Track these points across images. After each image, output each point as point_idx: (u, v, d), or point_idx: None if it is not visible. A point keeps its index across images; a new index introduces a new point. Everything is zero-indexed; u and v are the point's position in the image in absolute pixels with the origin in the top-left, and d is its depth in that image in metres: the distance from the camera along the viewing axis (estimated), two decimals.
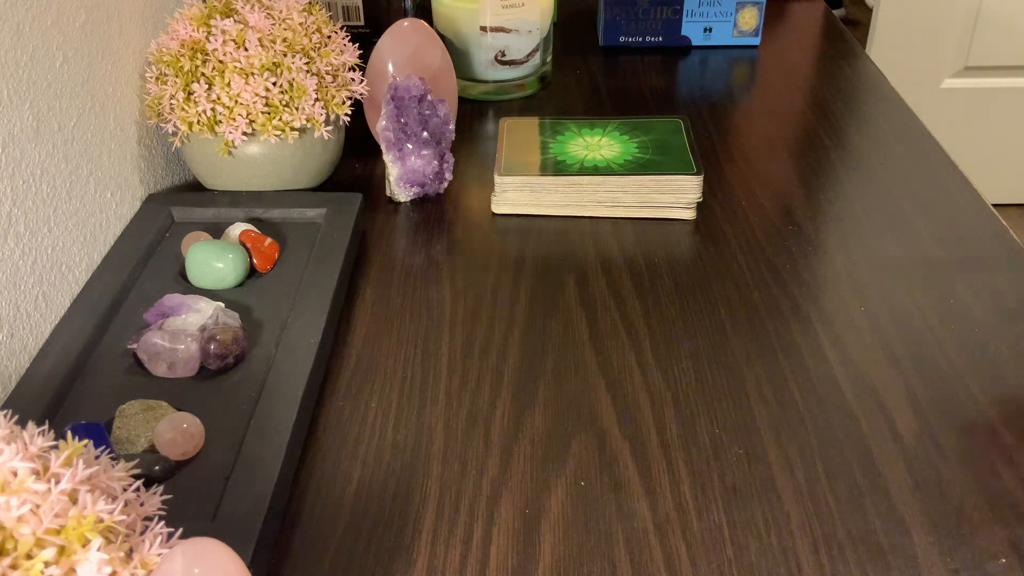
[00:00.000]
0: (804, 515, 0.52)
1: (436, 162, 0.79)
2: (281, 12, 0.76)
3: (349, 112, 0.78)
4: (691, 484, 0.54)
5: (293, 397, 0.56)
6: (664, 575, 0.49)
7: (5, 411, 0.54)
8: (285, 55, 0.74)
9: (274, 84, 0.73)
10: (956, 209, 0.78)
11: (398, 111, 0.77)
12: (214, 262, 0.67)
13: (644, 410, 0.60)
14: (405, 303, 0.70)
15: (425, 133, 0.78)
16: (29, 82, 0.63)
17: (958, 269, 0.71)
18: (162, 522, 0.40)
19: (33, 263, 0.63)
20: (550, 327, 0.67)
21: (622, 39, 1.11)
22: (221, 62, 0.73)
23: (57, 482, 0.37)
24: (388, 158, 0.79)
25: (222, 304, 0.64)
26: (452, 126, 0.80)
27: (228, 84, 0.73)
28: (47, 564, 0.35)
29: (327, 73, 0.77)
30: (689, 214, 0.78)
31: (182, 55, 0.74)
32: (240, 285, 0.68)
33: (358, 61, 0.80)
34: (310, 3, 0.79)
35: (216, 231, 0.74)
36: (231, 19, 0.74)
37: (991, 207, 0.78)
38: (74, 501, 0.37)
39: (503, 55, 0.97)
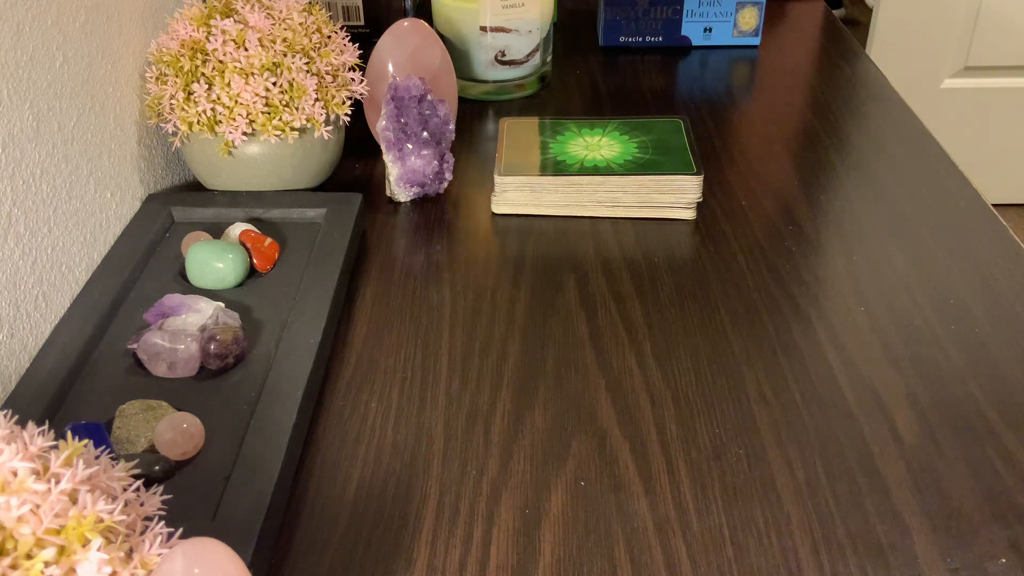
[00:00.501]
0: (804, 515, 0.52)
1: (436, 162, 0.79)
2: (281, 12, 0.76)
3: (349, 112, 0.78)
4: (691, 484, 0.54)
5: (293, 397, 0.56)
6: (664, 575, 0.49)
7: (5, 411, 0.54)
8: (285, 55, 0.74)
9: (274, 84, 0.73)
10: (956, 209, 0.78)
11: (398, 111, 0.77)
12: (214, 262, 0.67)
13: (644, 410, 0.60)
14: (405, 303, 0.70)
15: (425, 133, 0.78)
16: (29, 82, 0.63)
17: (958, 269, 0.71)
18: (162, 522, 0.40)
19: (33, 263, 0.63)
20: (550, 327, 0.67)
21: (622, 39, 1.11)
22: (221, 62, 0.73)
23: (57, 482, 0.37)
24: (388, 158, 0.79)
25: (222, 304, 0.64)
26: (452, 126, 0.80)
27: (228, 84, 0.73)
28: (47, 564, 0.35)
29: (327, 73, 0.77)
30: (689, 214, 0.78)
31: (182, 55, 0.74)
32: (240, 285, 0.68)
33: (358, 61, 0.80)
34: (310, 3, 0.79)
35: (216, 231, 0.74)
36: (231, 19, 0.74)
37: (991, 207, 0.78)
38: (74, 501, 0.37)
39: (503, 55, 0.97)
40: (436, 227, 0.78)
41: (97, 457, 0.41)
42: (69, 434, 0.41)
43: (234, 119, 0.73)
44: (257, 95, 0.73)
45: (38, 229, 0.64)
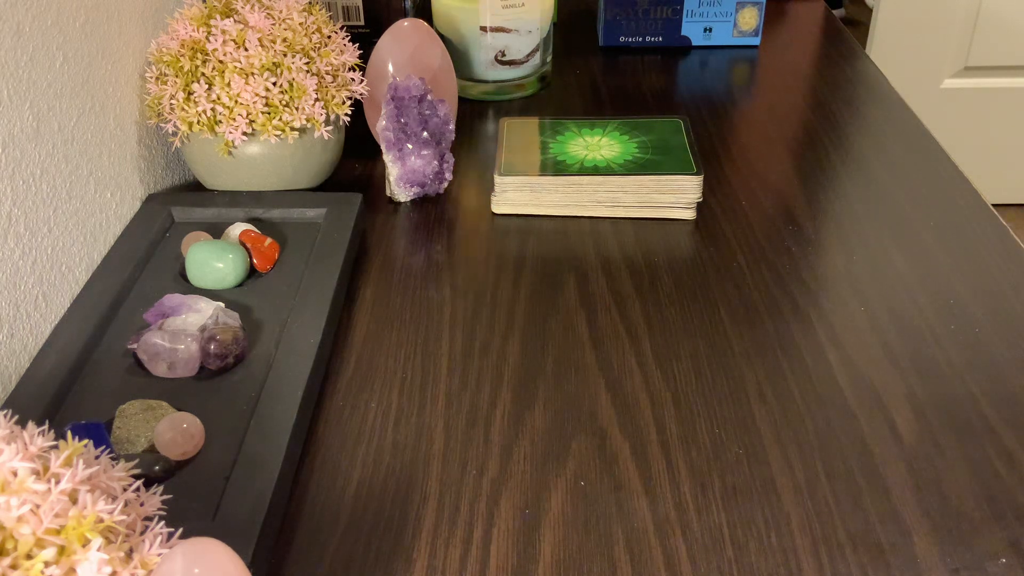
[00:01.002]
0: (804, 515, 0.52)
1: (436, 162, 0.79)
2: (281, 12, 0.76)
3: (349, 112, 0.78)
4: (691, 484, 0.54)
5: (293, 397, 0.56)
6: (664, 575, 0.49)
7: (5, 411, 0.54)
8: (285, 55, 0.74)
9: (274, 84, 0.73)
10: (956, 209, 0.78)
11: (398, 111, 0.77)
12: (214, 262, 0.67)
13: (644, 410, 0.60)
14: (405, 303, 0.70)
15: (425, 133, 0.78)
16: (29, 82, 0.63)
17: (958, 269, 0.71)
18: (162, 522, 0.40)
19: (33, 263, 0.63)
20: (550, 327, 0.67)
21: (622, 39, 1.11)
22: (221, 62, 0.73)
23: (57, 482, 0.37)
24: (388, 158, 0.79)
25: (222, 304, 0.64)
26: (452, 126, 0.80)
27: (228, 84, 0.73)
28: (47, 564, 0.35)
29: (327, 73, 0.77)
30: (689, 214, 0.78)
31: (182, 55, 0.74)
32: (240, 285, 0.68)
33: (358, 61, 0.80)
34: (310, 3, 0.79)
35: (216, 231, 0.74)
36: (231, 19, 0.74)
37: (991, 207, 0.78)
38: (74, 501, 0.37)
39: (503, 55, 0.97)
40: (436, 227, 0.78)
41: (97, 457, 0.41)
42: (69, 434, 0.41)
43: (234, 119, 0.73)
44: (257, 95, 0.73)
45: (38, 229, 0.64)
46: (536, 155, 0.81)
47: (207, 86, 0.73)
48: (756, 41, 1.11)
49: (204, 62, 0.74)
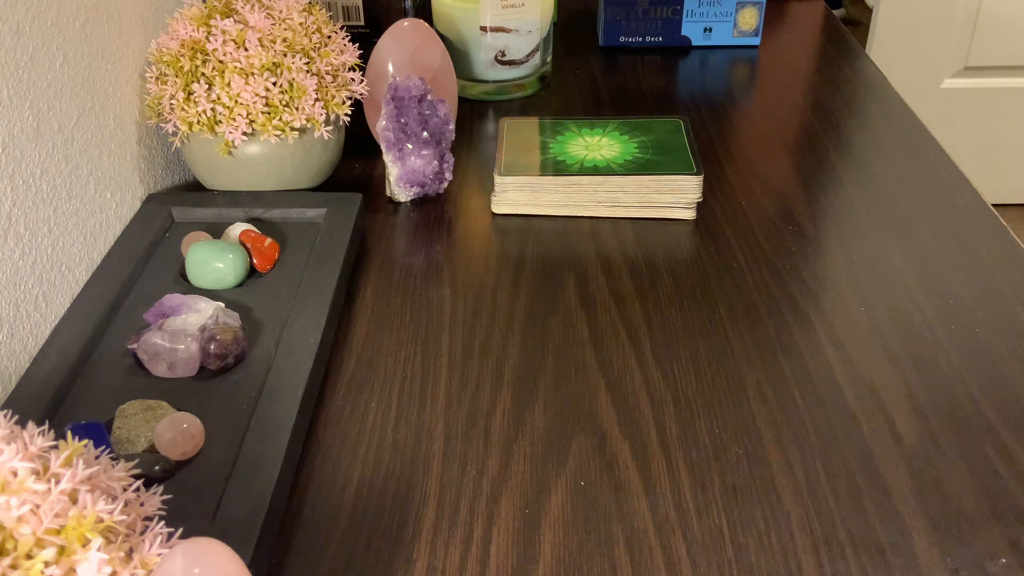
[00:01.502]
0: (804, 515, 0.52)
1: (436, 162, 0.79)
2: (281, 12, 0.76)
3: (349, 112, 0.78)
4: (691, 484, 0.54)
5: (293, 397, 0.56)
6: (664, 575, 0.49)
7: (5, 411, 0.54)
8: (285, 55, 0.74)
9: (274, 84, 0.73)
10: (956, 209, 0.78)
11: (398, 111, 0.77)
12: (214, 262, 0.67)
13: (644, 410, 0.60)
14: (405, 303, 0.70)
15: (425, 133, 0.78)
16: (29, 82, 0.63)
17: (958, 269, 0.71)
18: (162, 522, 0.40)
19: (33, 263, 0.63)
20: (550, 327, 0.67)
21: (622, 39, 1.11)
22: (221, 62, 0.73)
23: (57, 482, 0.37)
24: (388, 158, 0.79)
25: (222, 304, 0.64)
26: (452, 126, 0.80)
27: (228, 84, 0.73)
28: (47, 564, 0.35)
29: (327, 73, 0.77)
30: (689, 214, 0.78)
31: (182, 55, 0.74)
32: (240, 285, 0.68)
33: (358, 61, 0.80)
34: (310, 3, 0.79)
35: (216, 231, 0.74)
36: (231, 19, 0.74)
37: (991, 207, 0.78)
38: (74, 501, 0.37)
39: (503, 55, 0.97)
40: (436, 227, 0.78)
41: (97, 457, 0.41)
42: (69, 434, 0.41)
43: (234, 119, 0.73)
44: (257, 95, 0.73)
45: (38, 229, 0.64)
46: (536, 155, 0.81)
47: (207, 86, 0.73)
48: (756, 41, 1.11)
49: (204, 62, 0.74)
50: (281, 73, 0.74)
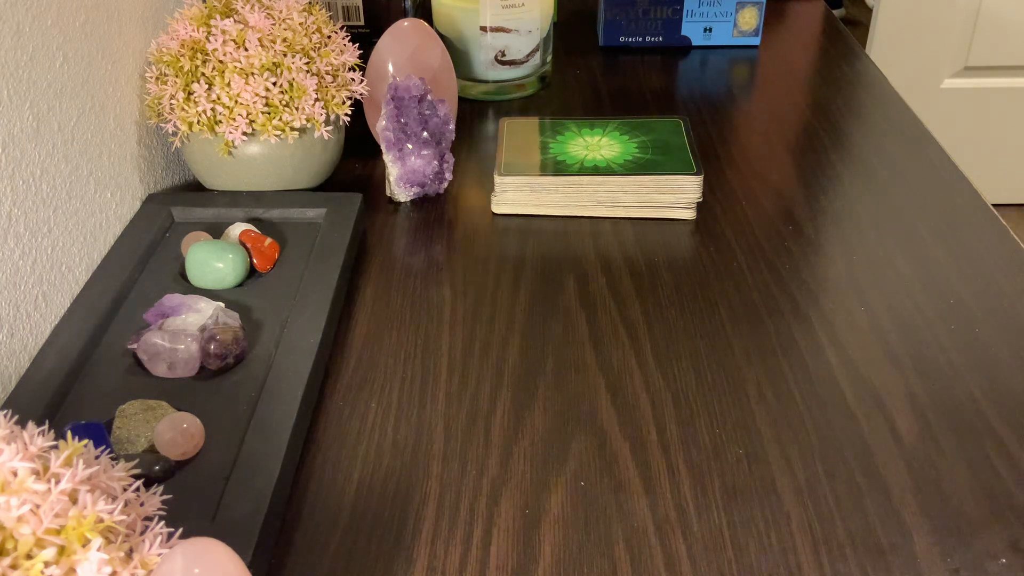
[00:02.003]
0: (804, 515, 0.52)
1: (436, 162, 0.79)
2: (281, 12, 0.76)
3: (349, 112, 0.78)
4: (691, 484, 0.54)
5: (293, 397, 0.56)
6: (664, 575, 0.49)
7: (5, 411, 0.54)
8: (285, 55, 0.74)
9: (274, 84, 0.73)
10: (956, 209, 0.78)
11: (398, 111, 0.77)
12: (214, 262, 0.67)
13: (644, 410, 0.60)
14: (405, 303, 0.70)
15: (425, 133, 0.78)
16: (29, 82, 0.63)
17: (958, 269, 0.71)
18: (162, 522, 0.40)
19: (33, 263, 0.63)
20: (550, 327, 0.67)
21: (622, 39, 1.11)
22: (221, 62, 0.73)
23: (57, 482, 0.37)
24: (388, 158, 0.79)
25: (222, 304, 0.64)
26: (452, 126, 0.80)
27: (228, 84, 0.73)
28: (47, 564, 0.35)
29: (327, 73, 0.77)
30: (689, 214, 0.78)
31: (182, 55, 0.74)
32: (240, 285, 0.68)
33: (358, 61, 0.80)
34: (310, 3, 0.79)
35: (216, 231, 0.74)
36: (231, 19, 0.74)
37: (991, 207, 0.78)
38: (74, 501, 0.37)
39: (503, 55, 0.97)
40: (436, 227, 0.78)
41: (97, 457, 0.41)
42: (69, 434, 0.41)
43: (234, 119, 0.73)
44: (257, 95, 0.73)
45: (38, 229, 0.64)
46: (536, 155, 0.81)
47: (207, 86, 0.73)
48: (756, 41, 1.11)
49: (204, 62, 0.74)
50: (281, 73, 0.74)
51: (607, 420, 0.59)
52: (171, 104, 0.75)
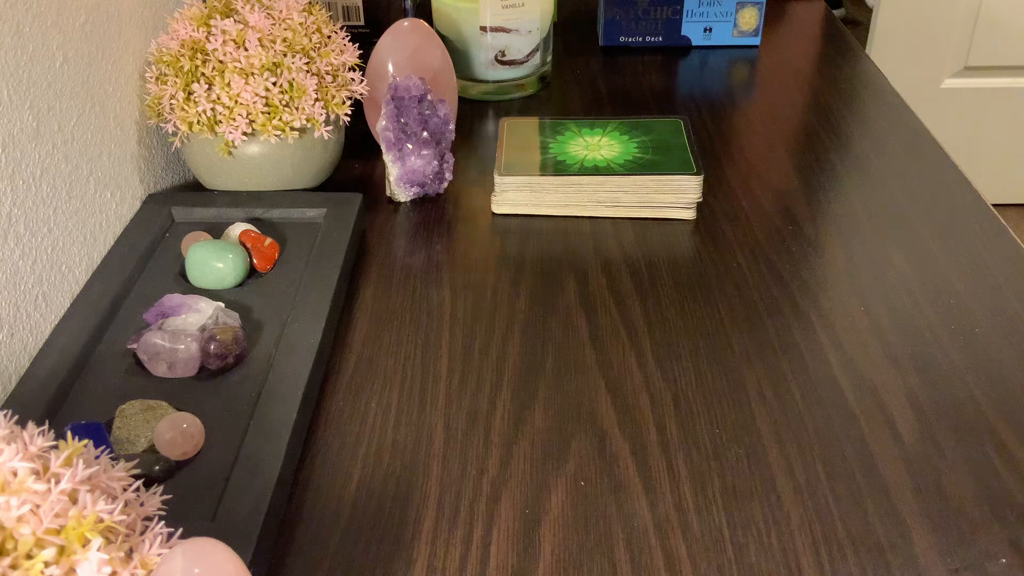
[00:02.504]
0: (804, 515, 0.52)
1: (436, 162, 0.79)
2: (281, 12, 0.76)
3: (349, 112, 0.78)
4: (691, 484, 0.54)
5: (293, 397, 0.56)
6: (664, 575, 0.49)
7: (5, 411, 0.54)
8: (285, 55, 0.74)
9: (274, 84, 0.73)
10: (956, 209, 0.78)
11: (398, 111, 0.77)
12: (214, 262, 0.67)
13: (644, 410, 0.60)
14: (405, 303, 0.70)
15: (425, 133, 0.78)
16: (29, 82, 0.63)
17: (958, 269, 0.71)
18: (162, 522, 0.40)
19: (33, 263, 0.63)
20: (550, 327, 0.67)
21: (622, 39, 1.11)
22: (221, 62, 0.73)
23: (57, 482, 0.37)
24: (388, 158, 0.79)
25: (222, 304, 0.64)
26: (452, 126, 0.80)
27: (228, 84, 0.73)
28: (47, 564, 0.35)
29: (327, 73, 0.77)
30: (689, 214, 0.78)
31: (182, 55, 0.74)
32: (240, 285, 0.68)
33: (358, 61, 0.80)
34: (310, 3, 0.79)
35: (216, 231, 0.74)
36: (231, 19, 0.74)
37: (991, 207, 0.78)
38: (74, 501, 0.37)
39: (503, 55, 0.97)
40: (436, 227, 0.78)
41: (97, 457, 0.41)
42: (69, 434, 0.41)
43: (234, 119, 0.73)
44: (257, 95, 0.73)
45: (38, 229, 0.64)
46: (536, 155, 0.81)
47: (207, 86, 0.73)
48: (756, 41, 1.11)
49: (204, 62, 0.74)
50: (281, 73, 0.74)
51: (607, 420, 0.59)
52: (171, 104, 0.75)
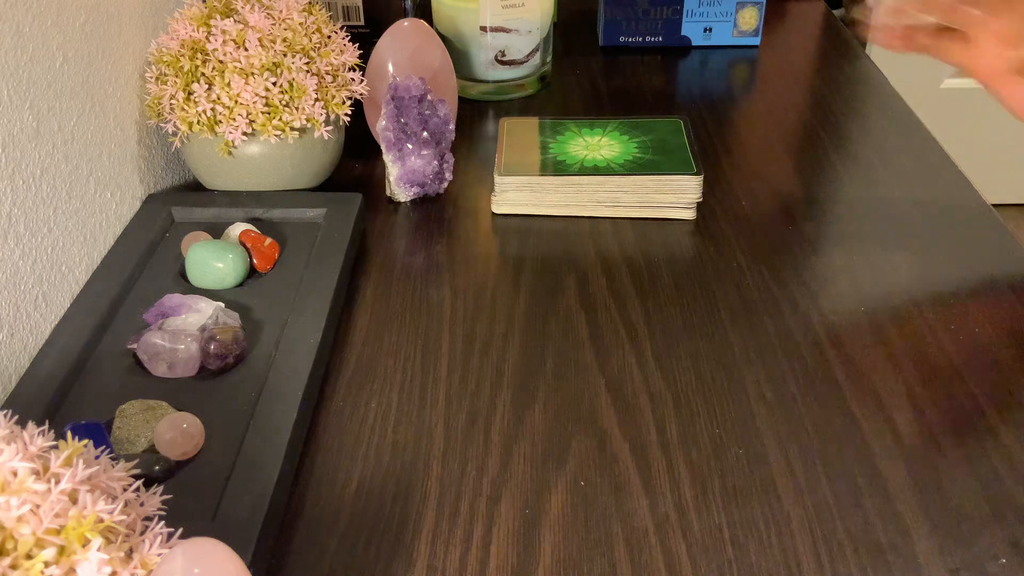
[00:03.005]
0: (804, 515, 0.52)
1: (436, 162, 0.79)
2: (281, 12, 0.76)
3: (349, 112, 0.78)
4: (691, 484, 0.54)
5: (293, 397, 0.56)
6: (664, 575, 0.49)
7: (5, 411, 0.54)
8: (285, 55, 0.74)
9: (274, 84, 0.73)
10: (956, 209, 0.78)
11: (398, 111, 0.77)
12: (214, 262, 0.67)
13: (644, 410, 0.60)
14: (405, 303, 0.70)
15: (425, 133, 0.78)
16: (29, 82, 0.63)
17: (958, 269, 0.71)
18: (162, 522, 0.40)
19: (33, 263, 0.63)
20: (550, 327, 0.67)
21: (622, 39, 1.11)
22: (221, 62, 0.73)
23: (57, 482, 0.37)
24: (388, 158, 0.79)
25: (222, 304, 0.64)
26: (452, 126, 0.80)
27: (228, 84, 0.73)
28: (47, 564, 0.35)
29: (327, 73, 0.77)
30: (689, 214, 0.78)
31: (182, 55, 0.74)
32: (240, 285, 0.68)
33: (358, 61, 0.80)
34: (310, 3, 0.79)
35: (216, 231, 0.74)
36: (231, 19, 0.74)
37: (991, 207, 0.78)
38: (74, 501, 0.37)
39: (503, 55, 0.97)
40: (436, 227, 0.78)
41: (97, 457, 0.41)
42: (69, 434, 0.41)
43: (234, 119, 0.73)
44: (257, 95, 0.73)
45: (38, 229, 0.64)
46: (536, 155, 0.81)
47: (207, 86, 0.73)
48: (756, 41, 1.11)
49: (204, 62, 0.74)
50: (281, 73, 0.74)
51: (607, 420, 0.59)
52: (171, 104, 0.75)
